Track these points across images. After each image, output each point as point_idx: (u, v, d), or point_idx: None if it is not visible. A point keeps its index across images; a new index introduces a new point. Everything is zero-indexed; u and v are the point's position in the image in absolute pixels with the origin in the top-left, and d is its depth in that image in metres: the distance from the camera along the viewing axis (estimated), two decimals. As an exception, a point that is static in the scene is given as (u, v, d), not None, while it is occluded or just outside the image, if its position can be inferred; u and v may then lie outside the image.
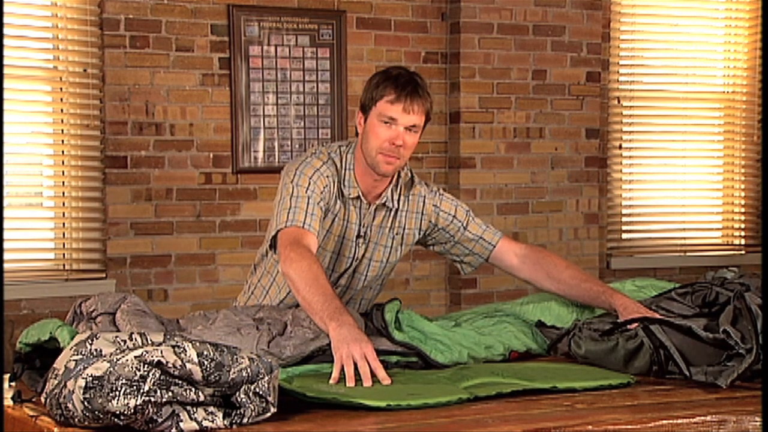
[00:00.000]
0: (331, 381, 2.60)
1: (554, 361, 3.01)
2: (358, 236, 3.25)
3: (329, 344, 2.74)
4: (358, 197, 3.22)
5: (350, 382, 2.59)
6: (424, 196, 3.36)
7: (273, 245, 3.14)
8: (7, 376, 2.74)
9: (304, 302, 2.85)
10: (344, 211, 3.23)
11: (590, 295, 3.20)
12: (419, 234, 3.36)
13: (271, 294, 3.33)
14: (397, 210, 3.29)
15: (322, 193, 3.15)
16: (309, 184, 3.13)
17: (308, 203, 3.10)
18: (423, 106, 3.14)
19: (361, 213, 3.25)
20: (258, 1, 5.78)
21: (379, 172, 3.17)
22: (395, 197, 3.28)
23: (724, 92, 7.11)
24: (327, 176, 3.18)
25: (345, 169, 3.22)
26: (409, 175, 3.35)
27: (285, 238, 3.04)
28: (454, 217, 3.41)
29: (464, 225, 3.41)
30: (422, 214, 3.35)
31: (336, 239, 3.24)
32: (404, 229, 3.32)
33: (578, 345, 2.93)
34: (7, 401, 2.50)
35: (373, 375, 2.61)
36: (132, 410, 2.15)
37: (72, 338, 2.51)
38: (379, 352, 2.83)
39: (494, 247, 3.39)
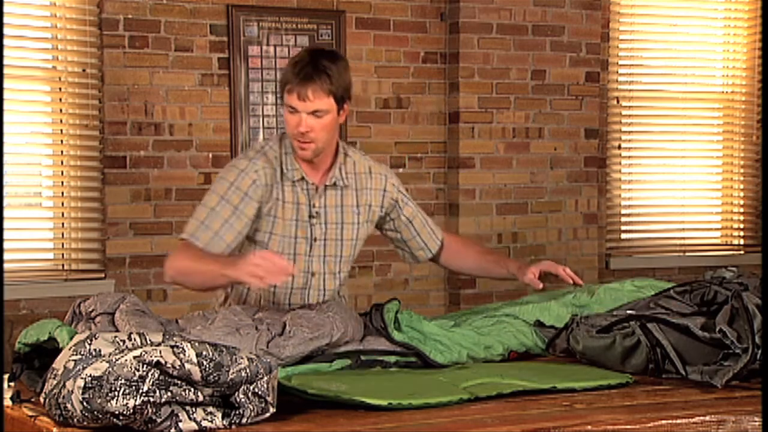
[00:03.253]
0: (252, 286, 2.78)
1: (553, 360, 3.02)
2: (311, 216, 3.31)
3: (328, 344, 2.76)
4: (303, 178, 3.29)
5: (267, 277, 2.80)
6: (386, 175, 3.45)
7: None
8: (6, 376, 2.74)
9: (203, 276, 3.04)
10: (292, 194, 3.30)
11: (491, 266, 3.52)
12: (381, 211, 3.44)
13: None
14: (355, 187, 3.37)
15: (246, 192, 3.23)
16: (227, 190, 3.23)
17: (223, 221, 3.21)
18: (320, 89, 3.17)
19: (310, 194, 3.31)
20: (257, 1, 5.78)
21: (299, 157, 3.27)
22: (343, 175, 3.34)
23: (723, 92, 7.11)
24: (255, 170, 3.25)
25: (284, 155, 3.30)
26: (361, 154, 3.45)
27: (184, 245, 3.22)
28: (412, 206, 3.53)
29: (419, 218, 3.53)
30: (384, 191, 3.43)
31: (288, 222, 3.30)
32: (368, 205, 3.39)
33: (576, 341, 2.94)
34: (7, 401, 2.50)
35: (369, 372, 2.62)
36: (131, 410, 2.15)
37: (71, 338, 2.51)
38: (378, 352, 2.83)
39: (441, 242, 3.57)
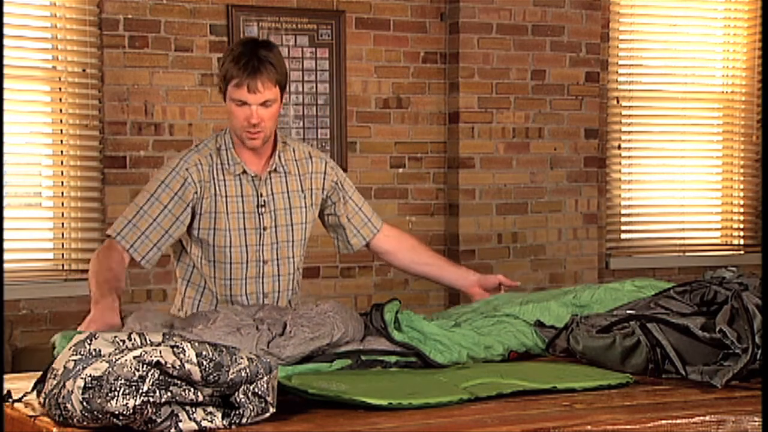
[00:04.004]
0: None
1: (553, 360, 3.01)
2: (259, 206, 3.37)
3: (329, 344, 2.76)
4: (245, 171, 3.35)
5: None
6: (325, 160, 3.53)
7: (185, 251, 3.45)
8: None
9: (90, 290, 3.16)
10: (235, 188, 3.35)
11: (427, 270, 3.65)
12: (323, 194, 3.50)
13: (193, 279, 3.47)
14: (298, 173, 3.44)
15: (176, 192, 3.29)
16: (157, 188, 3.30)
17: (151, 221, 3.30)
18: (269, 80, 3.23)
19: (255, 184, 3.37)
20: (257, 1, 5.78)
21: (248, 147, 3.33)
22: (284, 162, 3.41)
23: (723, 92, 7.11)
24: (186, 169, 3.31)
25: (226, 149, 3.35)
26: (300, 141, 3.54)
27: (107, 246, 3.35)
28: (347, 192, 3.56)
29: (359, 205, 3.58)
30: (324, 173, 3.50)
31: (234, 215, 3.35)
32: (312, 189, 3.46)
33: (576, 341, 2.94)
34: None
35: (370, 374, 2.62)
36: (131, 410, 2.15)
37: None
38: (379, 352, 2.83)
39: (378, 231, 3.61)
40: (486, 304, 3.35)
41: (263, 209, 3.38)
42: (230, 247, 3.36)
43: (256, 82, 3.21)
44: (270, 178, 3.39)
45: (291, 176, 3.43)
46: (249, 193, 3.37)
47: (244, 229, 3.36)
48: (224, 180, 3.34)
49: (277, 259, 3.42)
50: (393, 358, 2.86)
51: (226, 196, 3.34)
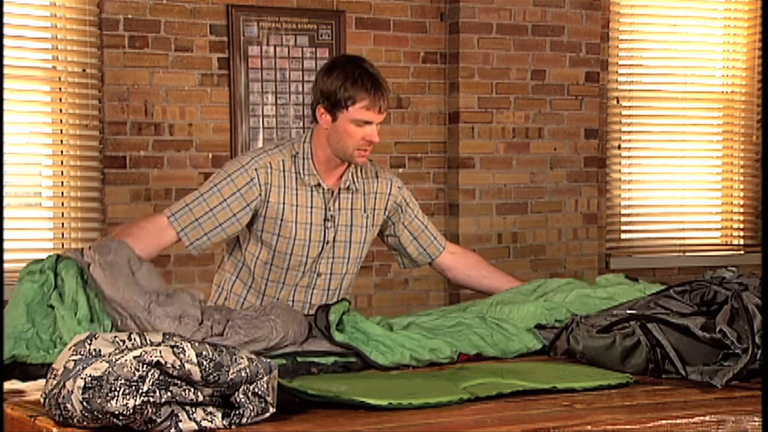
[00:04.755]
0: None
1: (553, 360, 3.01)
2: (326, 219, 3.39)
3: (266, 348, 2.78)
4: (319, 184, 3.38)
5: None
6: (391, 180, 3.56)
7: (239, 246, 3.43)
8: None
9: None
10: (307, 198, 3.37)
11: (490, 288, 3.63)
12: (384, 214, 3.52)
13: (254, 277, 3.46)
14: (364, 192, 3.45)
15: (239, 189, 3.30)
16: (222, 180, 3.31)
17: (208, 210, 3.29)
18: (388, 97, 3.34)
19: (325, 198, 3.40)
20: (257, 1, 5.79)
21: (356, 164, 3.38)
22: (356, 179, 3.44)
23: (723, 92, 7.11)
24: (255, 169, 3.32)
25: (304, 159, 3.37)
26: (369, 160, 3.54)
27: (157, 221, 3.31)
28: (413, 211, 3.60)
29: (424, 223, 3.61)
30: (389, 194, 3.51)
31: (303, 226, 3.37)
32: (374, 209, 3.48)
33: (576, 341, 2.94)
34: (7, 401, 2.49)
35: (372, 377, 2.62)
36: (131, 410, 2.15)
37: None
38: (315, 353, 2.82)
39: (444, 249, 3.63)
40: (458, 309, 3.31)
41: (329, 223, 3.41)
42: (291, 255, 3.37)
43: (385, 102, 3.30)
44: (340, 195, 3.42)
45: (358, 194, 3.46)
46: (319, 205, 3.39)
47: (309, 240, 3.38)
48: (296, 189, 3.36)
49: (331, 274, 3.44)
50: (330, 359, 2.83)
51: (296, 205, 3.36)
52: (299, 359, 2.82)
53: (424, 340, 2.96)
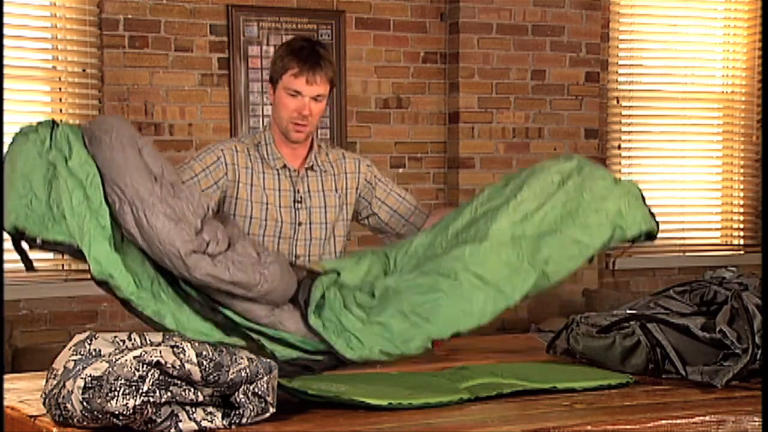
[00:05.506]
0: None
1: (553, 360, 3.01)
2: (295, 201, 3.44)
3: (246, 294, 2.78)
4: (285, 166, 3.43)
5: None
6: (359, 159, 3.58)
7: None
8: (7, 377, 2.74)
9: None
10: (274, 181, 3.43)
11: None
12: (356, 193, 3.54)
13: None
14: (334, 173, 3.49)
15: (207, 166, 3.36)
16: (192, 160, 3.37)
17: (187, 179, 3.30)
18: (325, 76, 3.35)
19: (293, 179, 3.44)
20: (257, 1, 5.79)
21: (290, 139, 3.41)
22: (319, 160, 3.48)
23: (723, 92, 7.11)
24: (221, 149, 3.39)
25: (267, 144, 3.43)
26: (332, 144, 3.60)
27: None
28: (387, 186, 3.57)
29: (401, 195, 3.58)
30: (359, 173, 3.54)
31: (272, 207, 3.41)
32: (346, 189, 3.51)
33: (576, 341, 2.94)
34: (7, 401, 2.49)
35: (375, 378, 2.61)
36: (131, 410, 2.15)
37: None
38: (281, 342, 2.81)
39: (428, 216, 3.58)
40: (445, 232, 3.19)
41: (299, 205, 3.45)
42: (263, 236, 3.41)
43: (315, 75, 3.32)
44: (307, 176, 3.46)
45: (327, 175, 3.49)
46: (287, 187, 3.44)
47: (281, 221, 3.42)
48: (263, 172, 3.42)
49: (309, 256, 3.46)
50: (294, 354, 2.82)
51: (263, 188, 3.41)
52: (265, 344, 2.80)
53: (400, 326, 2.89)
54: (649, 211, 3.19)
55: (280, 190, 3.44)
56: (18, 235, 2.76)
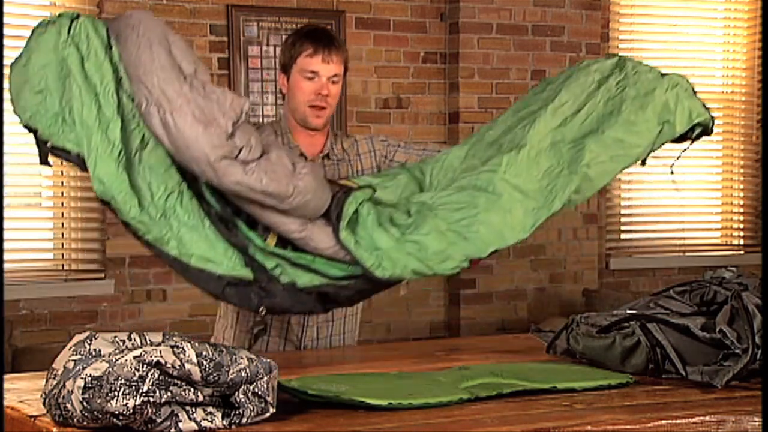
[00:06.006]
0: None
1: (553, 360, 3.01)
2: None
3: (276, 205, 2.69)
4: (301, 154, 3.29)
5: None
6: (371, 138, 3.47)
7: None
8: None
9: None
10: None
11: None
12: (376, 170, 3.43)
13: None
14: (348, 159, 3.39)
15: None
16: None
17: None
18: (340, 56, 3.28)
19: None
20: (257, 1, 5.79)
21: (310, 125, 3.29)
22: (336, 147, 3.38)
23: (723, 92, 7.11)
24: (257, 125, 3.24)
25: (283, 135, 3.32)
26: (345, 132, 3.54)
27: None
28: (403, 146, 3.45)
29: (420, 147, 3.44)
30: (374, 150, 3.43)
31: None
32: (362, 171, 3.40)
33: (576, 341, 2.94)
34: (7, 401, 2.49)
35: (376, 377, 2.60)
36: (131, 410, 2.15)
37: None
38: (309, 268, 2.73)
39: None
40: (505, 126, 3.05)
41: None
42: None
43: (331, 54, 3.24)
44: (324, 164, 3.34)
45: (342, 163, 3.39)
46: None
47: None
48: None
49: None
50: (317, 280, 2.73)
51: None
52: (293, 259, 2.71)
53: (437, 244, 2.78)
54: (702, 103, 3.02)
55: None
56: (32, 131, 2.69)
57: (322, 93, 3.24)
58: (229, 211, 2.74)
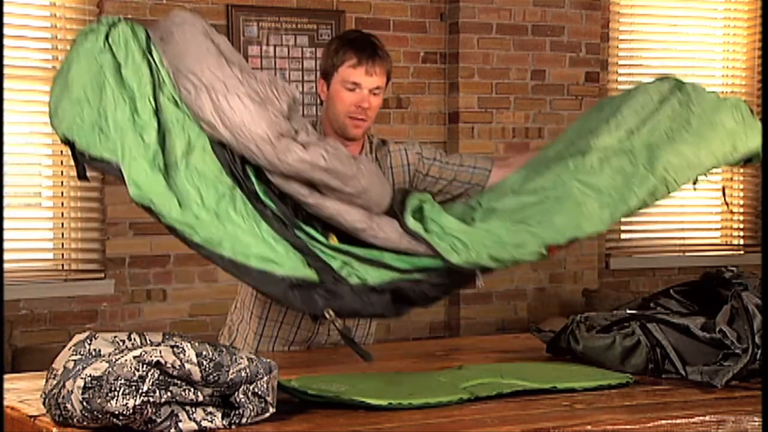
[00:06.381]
0: None
1: (553, 360, 3.01)
2: None
3: (335, 190, 2.59)
4: None
5: None
6: (405, 149, 3.33)
7: None
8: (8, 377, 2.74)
9: None
10: None
11: None
12: (406, 185, 3.31)
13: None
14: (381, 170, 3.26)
15: None
16: None
17: None
18: (384, 67, 3.17)
19: None
20: (257, 1, 5.78)
21: (348, 135, 3.17)
22: (370, 157, 3.25)
23: (723, 92, 7.11)
24: None
25: None
26: (378, 139, 3.34)
27: None
28: (439, 160, 3.33)
29: (456, 162, 3.33)
30: (408, 165, 3.31)
31: None
32: (394, 185, 3.27)
33: (576, 341, 2.94)
34: (7, 401, 2.49)
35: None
36: (131, 410, 2.15)
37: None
38: (379, 264, 2.61)
39: (490, 171, 3.33)
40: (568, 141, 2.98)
41: None
42: None
43: (374, 66, 3.13)
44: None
45: None
46: None
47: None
48: None
49: None
50: (388, 276, 2.60)
51: None
52: (354, 266, 2.58)
53: (507, 233, 2.70)
54: (759, 128, 2.99)
55: None
56: (69, 144, 2.62)
57: (363, 106, 3.14)
58: (287, 210, 2.66)
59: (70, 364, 2.29)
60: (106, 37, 2.65)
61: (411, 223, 2.66)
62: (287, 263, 2.60)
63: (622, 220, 6.81)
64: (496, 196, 2.97)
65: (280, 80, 2.66)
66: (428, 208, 2.75)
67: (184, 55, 2.60)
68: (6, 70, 5.21)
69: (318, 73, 3.26)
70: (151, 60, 2.65)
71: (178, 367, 2.19)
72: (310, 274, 2.62)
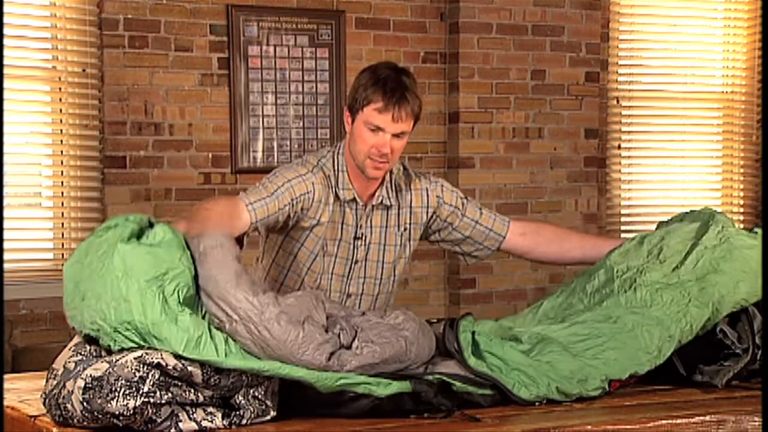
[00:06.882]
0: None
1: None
2: (356, 238, 3.17)
3: (393, 373, 2.54)
4: (354, 199, 3.15)
5: None
6: (427, 189, 3.28)
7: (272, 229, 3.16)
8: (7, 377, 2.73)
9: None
10: (339, 214, 3.15)
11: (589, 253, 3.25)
12: (421, 228, 3.28)
13: (272, 274, 3.23)
14: (398, 207, 3.22)
15: (295, 198, 3.06)
16: (283, 184, 3.04)
17: (269, 196, 3.00)
18: (411, 111, 3.10)
19: (358, 214, 3.17)
20: (257, 1, 5.78)
21: (367, 176, 3.11)
22: (391, 195, 3.20)
23: (723, 92, 7.11)
24: (312, 182, 3.08)
25: (339, 172, 3.15)
26: (402, 169, 3.28)
27: (228, 200, 3.13)
28: (459, 210, 3.28)
29: (474, 218, 3.30)
30: (427, 207, 3.26)
31: (332, 242, 3.15)
32: (410, 224, 3.24)
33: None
34: (7, 401, 2.49)
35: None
36: (131, 411, 2.15)
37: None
38: (449, 375, 2.56)
39: (504, 238, 3.31)
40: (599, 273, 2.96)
41: (359, 241, 3.17)
42: (308, 269, 3.15)
43: (401, 112, 3.06)
44: (372, 211, 3.18)
45: (392, 210, 3.21)
46: (350, 222, 3.15)
47: (335, 257, 3.15)
48: (331, 204, 3.12)
49: (362, 295, 3.20)
50: (469, 388, 2.55)
51: (328, 221, 3.12)
52: (430, 378, 2.52)
53: (570, 368, 2.65)
54: None
55: (342, 223, 3.14)
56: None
57: (383, 150, 3.04)
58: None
59: (71, 365, 2.28)
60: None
61: (473, 362, 2.62)
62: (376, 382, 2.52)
63: (622, 219, 6.84)
64: (537, 321, 2.98)
65: (311, 297, 2.58)
66: (482, 340, 2.70)
67: (215, 280, 2.48)
68: (6, 70, 5.21)
69: (341, 98, 3.15)
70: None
71: (179, 369, 2.19)
72: (404, 384, 2.54)
